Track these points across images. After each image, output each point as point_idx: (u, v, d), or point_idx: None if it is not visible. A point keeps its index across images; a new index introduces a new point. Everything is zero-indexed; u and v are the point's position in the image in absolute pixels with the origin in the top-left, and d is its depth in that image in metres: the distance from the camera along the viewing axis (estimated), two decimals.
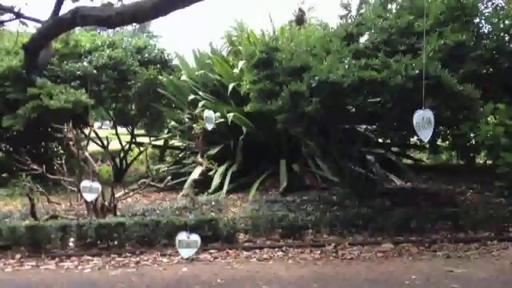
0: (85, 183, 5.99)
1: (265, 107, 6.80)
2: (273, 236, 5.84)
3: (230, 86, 9.12)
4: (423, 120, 4.93)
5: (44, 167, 7.03)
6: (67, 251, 5.54)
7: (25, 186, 6.63)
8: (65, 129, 6.90)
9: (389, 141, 9.61)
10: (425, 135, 5.02)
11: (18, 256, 5.38)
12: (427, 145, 9.65)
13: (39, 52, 9.26)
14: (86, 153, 7.04)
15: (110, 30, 12.73)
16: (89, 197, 6.05)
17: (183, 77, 10.62)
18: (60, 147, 11.16)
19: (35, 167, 6.95)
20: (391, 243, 5.57)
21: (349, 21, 7.24)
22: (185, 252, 5.22)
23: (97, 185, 6.00)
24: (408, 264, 4.93)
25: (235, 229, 5.80)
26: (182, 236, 5.25)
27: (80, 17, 7.62)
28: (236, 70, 9.46)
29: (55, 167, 7.68)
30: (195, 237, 5.26)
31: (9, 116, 9.47)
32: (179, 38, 47.12)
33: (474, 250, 5.33)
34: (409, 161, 10.70)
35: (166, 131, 12.23)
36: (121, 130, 12.64)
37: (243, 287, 4.37)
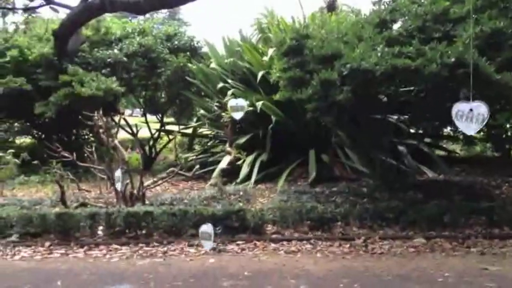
0: (118, 172, 6.02)
1: (295, 96, 6.67)
2: (301, 228, 5.74)
3: (260, 74, 9.02)
4: (470, 112, 4.69)
5: (74, 154, 7.08)
6: (95, 240, 5.58)
7: (56, 173, 6.73)
8: (95, 117, 6.95)
9: (422, 132, 9.38)
10: (469, 129, 4.79)
11: (47, 244, 5.44)
12: (461, 136, 9.40)
13: (68, 39, 9.33)
14: (116, 141, 7.08)
15: (141, 18, 12.74)
16: (121, 186, 6.09)
17: (213, 65, 10.57)
18: (91, 135, 11.29)
19: (66, 154, 7.02)
20: (423, 238, 5.41)
21: (382, 7, 7.01)
22: (208, 244, 5.17)
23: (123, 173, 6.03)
24: (440, 260, 4.78)
25: (263, 220, 5.73)
26: (204, 228, 5.20)
27: (108, 3, 7.63)
28: (265, 58, 9.35)
29: (85, 155, 7.75)
30: (213, 228, 5.20)
31: (41, 103, 9.61)
32: (209, 26, 47.13)
33: (510, 247, 5.13)
34: (442, 153, 10.42)
35: (195, 119, 12.24)
36: (151, 118, 12.70)
37: (270, 280, 4.30)
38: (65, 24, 9.02)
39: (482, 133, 9.42)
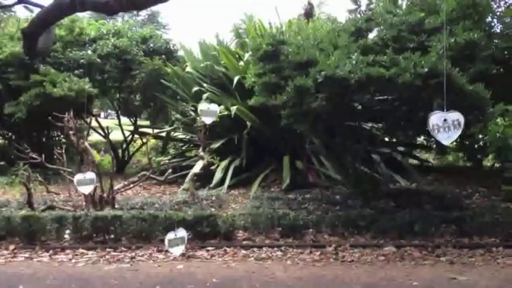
0: (79, 176, 5.85)
1: (270, 102, 6.64)
2: (272, 235, 5.70)
3: (236, 79, 8.96)
4: (445, 122, 4.74)
5: (43, 156, 6.91)
6: (62, 244, 5.44)
7: (23, 175, 6.55)
8: (66, 118, 6.80)
9: (395, 140, 9.46)
10: (448, 138, 4.84)
11: (12, 247, 5.29)
12: (434, 146, 9.50)
13: (38, 37, 9.12)
14: (86, 143, 6.93)
15: (119, 20, 12.58)
16: (86, 189, 5.92)
17: (188, 69, 10.48)
18: (62, 136, 11.07)
19: (34, 155, 6.84)
20: (393, 246, 5.41)
21: (358, 16, 7.06)
22: (176, 250, 5.04)
23: (91, 175, 5.87)
24: (410, 269, 4.77)
25: (234, 226, 5.67)
26: (170, 235, 5.05)
27: (79, 2, 7.48)
28: (242, 63, 9.30)
29: (54, 157, 7.58)
30: (183, 233, 5.07)
31: (11, 103, 9.39)
32: (188, 31, 46.91)
33: (479, 257, 5.14)
34: (415, 162, 10.51)
35: (170, 122, 12.12)
36: (126, 120, 12.53)
37: (238, 287, 4.23)
38: (35, 22, 8.82)
39: (455, 143, 9.54)
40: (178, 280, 4.40)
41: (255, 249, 5.31)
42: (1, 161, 7.99)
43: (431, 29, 6.21)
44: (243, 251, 5.26)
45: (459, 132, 4.80)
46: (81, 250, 5.22)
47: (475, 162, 10.35)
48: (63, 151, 7.27)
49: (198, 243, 5.40)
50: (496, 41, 6.72)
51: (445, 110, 4.81)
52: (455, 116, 4.78)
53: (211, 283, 4.32)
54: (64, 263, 4.88)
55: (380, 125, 7.99)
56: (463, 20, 6.18)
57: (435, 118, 4.77)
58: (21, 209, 6.36)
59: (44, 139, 11.10)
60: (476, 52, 6.04)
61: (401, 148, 9.97)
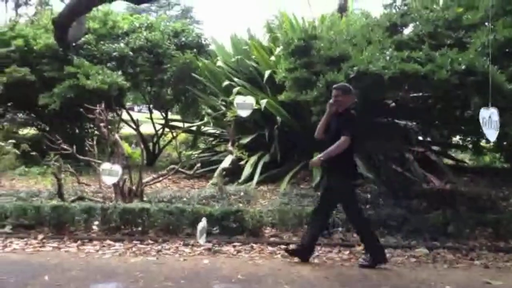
0: (105, 165, 5.87)
1: (300, 97, 6.53)
2: (300, 232, 5.58)
3: (266, 73, 8.87)
4: (489, 119, 4.66)
5: (74, 147, 6.96)
6: (89, 235, 5.48)
7: (54, 165, 6.63)
8: (97, 110, 6.84)
9: (430, 140, 9.20)
10: (492, 135, 4.84)
11: (40, 236, 5.34)
12: (470, 146, 9.21)
13: (68, 27, 9.22)
14: (117, 136, 6.98)
15: (153, 15, 12.66)
16: (109, 180, 5.92)
17: (219, 63, 10.43)
18: (95, 129, 11.20)
19: (65, 147, 6.91)
20: (425, 248, 5.24)
21: (393, 11, 6.86)
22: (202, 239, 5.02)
23: (117, 168, 5.88)
24: (442, 272, 4.61)
25: (261, 222, 5.60)
26: (201, 224, 5.04)
27: None
28: (273, 57, 9.20)
29: (86, 148, 7.65)
30: (204, 224, 5.05)
31: (46, 95, 9.53)
32: (220, 27, 46.93)
33: None
34: (450, 162, 10.22)
35: (200, 117, 12.12)
36: (158, 115, 12.60)
37: (263, 285, 4.16)
38: (64, 13, 8.93)
39: (492, 143, 9.23)
40: (203, 275, 4.35)
41: (282, 246, 5.21)
42: (34, 152, 8.09)
43: (469, 26, 6.00)
44: (270, 248, 5.19)
45: (497, 131, 4.68)
46: (108, 242, 5.24)
47: None
48: (94, 143, 7.32)
49: (224, 238, 5.35)
50: None
51: (489, 106, 4.76)
52: (495, 116, 4.72)
53: (236, 279, 4.25)
54: (91, 254, 4.89)
55: (415, 123, 7.77)
56: (503, 17, 5.94)
57: (484, 113, 4.76)
58: (52, 199, 6.44)
59: (76, 131, 11.24)
60: None
61: (435, 147, 9.71)
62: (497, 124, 4.75)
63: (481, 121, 4.74)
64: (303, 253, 4.78)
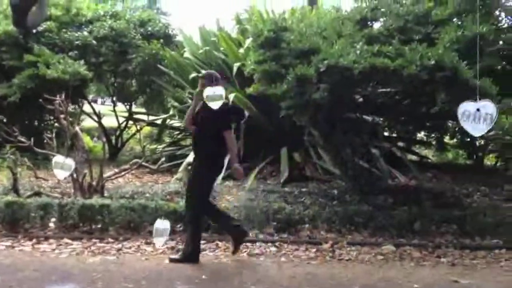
0: (57, 158, 5.52)
1: (269, 91, 6.38)
2: (267, 230, 5.47)
3: (235, 66, 8.68)
4: (478, 112, 4.49)
5: (32, 140, 6.64)
6: (46, 232, 5.23)
7: (9, 159, 6.31)
8: (57, 101, 6.54)
9: (395, 135, 9.23)
10: (477, 130, 4.60)
11: None
12: (434, 142, 9.28)
13: (27, 12, 8.82)
14: (77, 128, 6.71)
15: (119, 5, 12.27)
16: (61, 174, 5.58)
17: (186, 54, 10.17)
18: (55, 121, 10.80)
19: (22, 139, 6.58)
20: (392, 245, 5.19)
21: (364, 5, 6.80)
22: (159, 241, 4.80)
23: (70, 162, 5.54)
24: (409, 270, 4.56)
25: None
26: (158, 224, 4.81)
27: None
28: (242, 50, 9.02)
29: (45, 141, 7.33)
30: (167, 225, 4.81)
31: (4, 85, 9.12)
32: (188, 19, 46.26)
33: (481, 259, 4.93)
34: (414, 158, 10.28)
35: (165, 110, 11.85)
36: (122, 107, 12.26)
37: (229, 285, 4.01)
38: None
39: (455, 140, 9.33)
40: (165, 275, 4.17)
41: (248, 244, 5.08)
42: None
43: (439, 21, 5.98)
44: None
45: (489, 126, 4.55)
46: (65, 240, 5.00)
47: (476, 160, 10.16)
48: (54, 135, 7.00)
49: None
50: (504, 35, 6.50)
51: (477, 100, 4.57)
52: (490, 109, 4.50)
53: (200, 280, 4.10)
54: (46, 253, 4.66)
55: (381, 119, 7.76)
56: (471, 13, 5.94)
57: (468, 106, 4.54)
58: (6, 194, 6.10)
59: (36, 123, 10.81)
60: (483, 46, 5.80)
61: (400, 143, 9.75)
62: (492, 117, 4.50)
63: (459, 116, 4.58)
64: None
